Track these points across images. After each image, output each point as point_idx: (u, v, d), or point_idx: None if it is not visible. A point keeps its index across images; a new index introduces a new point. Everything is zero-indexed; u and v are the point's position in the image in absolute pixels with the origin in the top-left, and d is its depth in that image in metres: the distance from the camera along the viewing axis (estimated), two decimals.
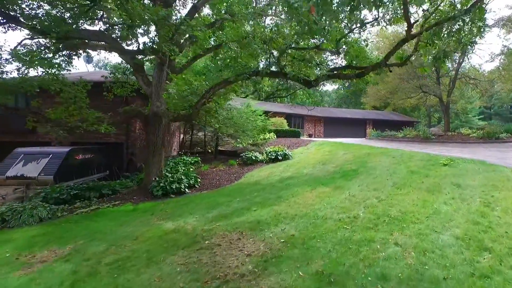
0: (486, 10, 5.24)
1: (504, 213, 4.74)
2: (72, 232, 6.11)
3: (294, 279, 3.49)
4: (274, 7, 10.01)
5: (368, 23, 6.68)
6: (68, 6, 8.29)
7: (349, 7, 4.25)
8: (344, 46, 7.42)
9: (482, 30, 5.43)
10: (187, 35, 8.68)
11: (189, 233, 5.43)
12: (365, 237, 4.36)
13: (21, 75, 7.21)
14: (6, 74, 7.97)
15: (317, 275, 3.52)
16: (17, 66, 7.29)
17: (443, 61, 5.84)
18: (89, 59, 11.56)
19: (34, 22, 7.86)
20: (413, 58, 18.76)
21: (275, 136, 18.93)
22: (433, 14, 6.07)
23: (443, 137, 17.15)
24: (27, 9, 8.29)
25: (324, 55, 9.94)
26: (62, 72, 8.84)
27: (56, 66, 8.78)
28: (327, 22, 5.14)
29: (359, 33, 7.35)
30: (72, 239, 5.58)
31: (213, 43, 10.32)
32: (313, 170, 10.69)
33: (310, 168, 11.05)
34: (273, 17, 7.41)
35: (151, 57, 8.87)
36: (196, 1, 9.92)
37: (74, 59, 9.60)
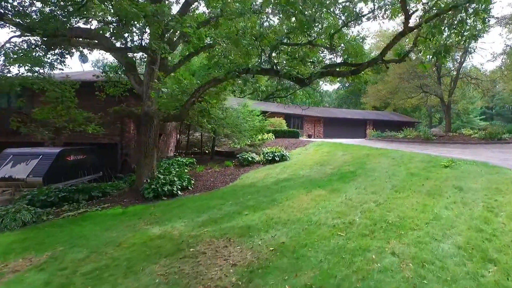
0: (492, 0, 4.93)
1: (509, 219, 4.43)
2: (54, 237, 5.81)
3: None
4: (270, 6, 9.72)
5: (363, 16, 6.36)
6: (61, 4, 8.04)
7: None
8: (338, 42, 7.11)
9: (486, 22, 5.10)
10: (178, 33, 8.40)
11: (175, 239, 5.14)
12: (360, 246, 4.06)
13: (0, 73, 6.92)
14: None
15: None
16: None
17: (444, 57, 5.52)
18: (84, 59, 11.26)
19: (19, 20, 7.59)
20: (414, 58, 18.56)
21: (274, 137, 18.64)
22: (433, 8, 5.74)
23: (444, 138, 16.83)
24: (19, 7, 8.06)
25: (322, 54, 9.67)
26: (54, 72, 8.63)
27: (47, 65, 8.57)
28: (317, 14, 4.85)
29: (354, 26, 7.06)
30: (52, 245, 5.29)
31: (209, 42, 10.06)
32: (310, 171, 10.40)
33: (307, 169, 10.75)
34: (269, 15, 7.15)
35: (140, 54, 8.58)
36: None
37: (67, 58, 9.36)
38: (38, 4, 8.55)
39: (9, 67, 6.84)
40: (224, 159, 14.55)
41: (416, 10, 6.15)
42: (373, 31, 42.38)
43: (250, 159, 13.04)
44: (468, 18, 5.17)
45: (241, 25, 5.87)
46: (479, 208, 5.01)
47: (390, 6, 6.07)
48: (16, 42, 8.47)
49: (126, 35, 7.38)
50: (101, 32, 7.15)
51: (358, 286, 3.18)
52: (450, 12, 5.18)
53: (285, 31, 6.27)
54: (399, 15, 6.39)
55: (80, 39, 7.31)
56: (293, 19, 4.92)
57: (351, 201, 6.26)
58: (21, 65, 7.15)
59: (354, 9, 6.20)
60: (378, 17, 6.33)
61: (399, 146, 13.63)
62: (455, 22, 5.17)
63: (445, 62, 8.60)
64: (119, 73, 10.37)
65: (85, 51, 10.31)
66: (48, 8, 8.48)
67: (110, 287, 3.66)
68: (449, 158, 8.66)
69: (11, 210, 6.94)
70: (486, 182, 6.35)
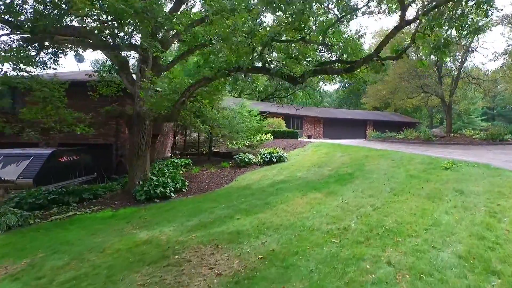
0: None
1: None
2: (37, 242, 5.59)
3: None
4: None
5: (357, 9, 6.08)
6: (55, 1, 7.83)
7: None
8: (332, 38, 6.83)
9: (489, 15, 4.81)
10: (173, 31, 8.17)
11: (161, 245, 4.90)
12: (354, 254, 3.81)
13: None
14: None
15: None
16: None
17: (444, 52, 5.24)
18: (80, 58, 11.04)
19: (8, 17, 7.37)
20: (414, 58, 18.26)
21: (272, 137, 18.38)
22: (432, 1, 5.46)
23: (445, 139, 16.56)
24: (11, 5, 7.85)
25: (320, 53, 9.41)
26: (48, 71, 8.41)
27: (40, 63, 8.36)
28: (307, 6, 4.60)
29: (348, 22, 6.79)
30: (34, 251, 5.06)
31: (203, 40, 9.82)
32: (307, 173, 10.15)
33: (304, 171, 10.51)
34: (261, 12, 6.89)
35: (135, 53, 8.34)
36: None
37: (60, 57, 9.14)
38: (30, 2, 8.37)
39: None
40: (221, 160, 14.30)
41: (413, 1, 5.88)
42: (374, 30, 42.03)
43: (247, 160, 12.80)
44: (469, 10, 4.89)
45: (232, 21, 5.64)
46: (481, 213, 4.76)
47: None
48: (5, 40, 8.31)
49: (116, 32, 7.16)
50: (88, 29, 6.91)
51: None
52: (450, 4, 4.92)
53: (277, 27, 6.03)
54: (397, 10, 6.12)
55: (66, 37, 7.05)
56: (279, 12, 4.68)
57: (347, 204, 6.02)
58: (11, 63, 6.95)
59: (348, 3, 5.94)
60: (375, 12, 6.08)
61: (399, 147, 13.37)
62: (456, 15, 4.89)
63: (445, 59, 8.30)
64: (112, 72, 10.15)
65: (80, 50, 10.15)
66: (42, 7, 8.29)
67: None
68: (450, 160, 8.41)
69: None
70: (488, 185, 6.09)
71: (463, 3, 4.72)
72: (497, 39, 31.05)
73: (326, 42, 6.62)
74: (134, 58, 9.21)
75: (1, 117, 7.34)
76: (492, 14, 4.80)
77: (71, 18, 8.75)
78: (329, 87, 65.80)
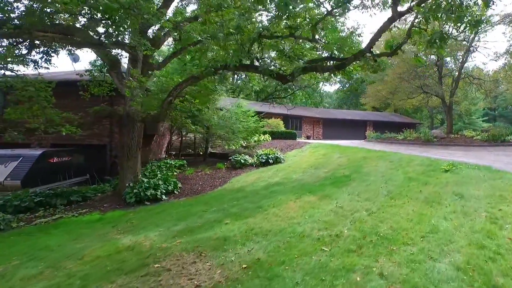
0: None
1: None
2: (16, 248, 5.34)
3: None
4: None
5: (349, 1, 5.80)
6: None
7: None
8: (324, 34, 6.56)
9: (490, 5, 4.52)
10: (162, 28, 7.92)
11: (143, 251, 4.64)
12: (344, 264, 3.54)
13: None
14: None
15: None
16: None
17: (440, 47, 4.97)
18: (75, 58, 10.81)
19: None
20: (412, 56, 17.96)
21: (270, 138, 18.12)
22: None
23: (446, 140, 16.26)
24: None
25: (318, 52, 9.13)
26: (41, 71, 8.18)
27: (32, 63, 8.13)
28: None
29: (340, 16, 6.49)
30: (9, 258, 4.80)
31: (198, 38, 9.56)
32: (303, 175, 9.90)
33: (300, 173, 10.25)
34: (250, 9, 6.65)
35: (122, 51, 8.08)
36: None
37: (53, 56, 8.91)
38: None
39: None
40: (217, 161, 14.04)
41: None
42: (374, 30, 41.77)
43: (242, 161, 12.53)
44: (468, 4, 4.60)
45: (219, 18, 5.40)
46: (482, 219, 4.49)
47: None
48: None
49: (99, 30, 6.92)
50: (70, 25, 6.66)
51: None
52: None
53: (265, 22, 5.81)
54: (392, 4, 5.84)
55: (48, 34, 6.79)
56: (260, 6, 4.44)
57: (341, 209, 5.75)
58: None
59: None
60: (368, 6, 5.79)
61: (398, 148, 13.09)
62: (453, 6, 4.60)
63: (443, 53, 8.00)
64: (103, 71, 9.90)
65: (72, 49, 9.91)
66: (36, 4, 8.05)
67: None
68: (450, 162, 8.14)
69: None
70: (489, 188, 5.82)
71: None
72: (499, 39, 30.71)
73: (317, 38, 6.36)
74: (126, 57, 8.95)
75: None
76: (493, 3, 4.52)
77: (54, 16, 8.55)
78: (329, 87, 65.55)
